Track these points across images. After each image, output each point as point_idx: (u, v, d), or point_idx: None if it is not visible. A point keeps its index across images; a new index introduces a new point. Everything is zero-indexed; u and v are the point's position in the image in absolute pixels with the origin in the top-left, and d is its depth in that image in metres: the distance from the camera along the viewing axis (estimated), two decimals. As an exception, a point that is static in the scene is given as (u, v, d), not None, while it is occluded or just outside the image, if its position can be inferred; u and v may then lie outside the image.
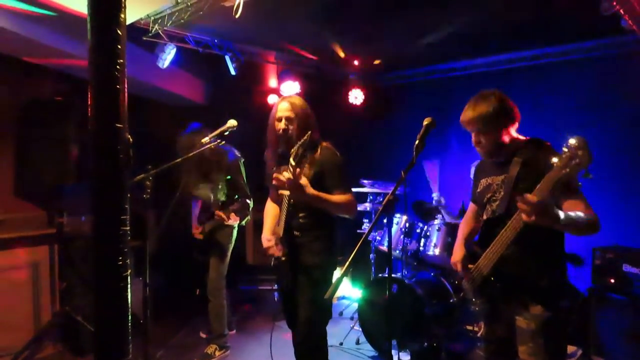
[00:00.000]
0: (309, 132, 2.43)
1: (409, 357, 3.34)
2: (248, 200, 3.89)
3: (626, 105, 4.42)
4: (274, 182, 2.49)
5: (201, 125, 3.71)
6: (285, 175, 2.40)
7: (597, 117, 4.58)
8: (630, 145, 4.39)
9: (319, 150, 2.68)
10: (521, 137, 2.20)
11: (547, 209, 1.75)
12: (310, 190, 2.45)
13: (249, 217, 4.02)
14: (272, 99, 5.93)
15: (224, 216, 3.68)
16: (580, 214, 1.89)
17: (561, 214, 1.81)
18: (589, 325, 3.68)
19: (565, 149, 1.70)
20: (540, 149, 2.09)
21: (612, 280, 3.66)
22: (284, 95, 2.78)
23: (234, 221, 3.74)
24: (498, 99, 2.10)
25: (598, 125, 4.56)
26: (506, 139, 2.14)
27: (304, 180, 2.42)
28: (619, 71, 4.44)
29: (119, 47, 1.42)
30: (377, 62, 5.76)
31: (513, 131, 2.17)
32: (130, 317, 1.51)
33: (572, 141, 1.68)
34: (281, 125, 2.66)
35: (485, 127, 2.10)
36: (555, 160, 1.73)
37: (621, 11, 3.36)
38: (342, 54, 5.32)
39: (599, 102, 4.59)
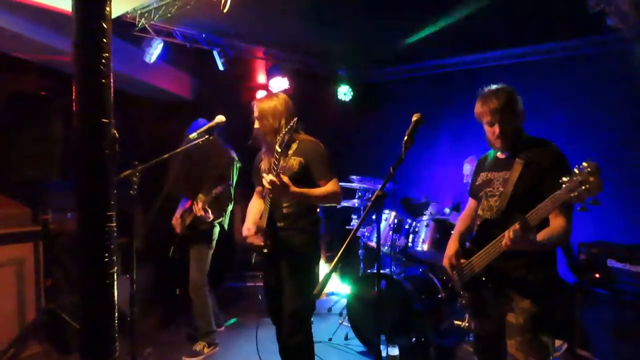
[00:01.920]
0: (295, 119, 2.53)
1: (397, 352, 3.35)
2: (228, 192, 3.84)
3: (614, 103, 4.48)
4: (263, 184, 2.52)
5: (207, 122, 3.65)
6: (268, 178, 2.43)
7: (584, 115, 4.63)
8: (615, 142, 4.45)
9: (297, 142, 2.77)
10: (526, 135, 2.22)
11: (526, 240, 1.86)
12: (294, 188, 2.49)
13: (224, 218, 3.96)
14: (260, 95, 5.89)
15: (199, 207, 3.63)
16: (553, 234, 1.97)
17: (537, 243, 1.92)
18: (574, 320, 3.73)
19: (576, 171, 1.68)
20: (544, 151, 2.10)
21: (597, 275, 3.71)
22: (258, 98, 2.90)
23: (208, 216, 3.68)
24: (510, 92, 2.15)
25: (584, 122, 4.62)
26: (515, 133, 2.17)
27: (285, 179, 2.46)
28: (606, 69, 4.48)
29: (104, 40, 1.39)
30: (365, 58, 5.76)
31: (520, 126, 2.20)
32: (117, 315, 1.50)
33: (585, 165, 1.66)
34: (255, 126, 2.83)
35: (498, 117, 2.12)
36: (565, 180, 1.72)
37: (607, 9, 3.39)
38: (331, 50, 5.30)
39: (587, 99, 4.65)
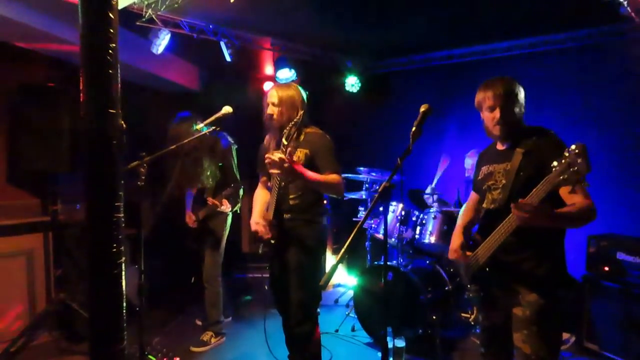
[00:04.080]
0: (301, 112, 2.54)
1: (403, 344, 3.36)
2: (239, 187, 3.87)
3: (622, 94, 4.41)
4: (266, 162, 2.51)
5: (190, 114, 3.69)
6: (277, 155, 2.43)
7: (593, 106, 4.57)
8: (627, 134, 4.39)
9: (304, 135, 2.74)
10: (525, 125, 2.20)
11: (541, 213, 1.79)
12: (301, 167, 2.52)
13: (240, 204, 4.01)
14: (267, 86, 5.88)
15: (216, 202, 3.67)
16: (576, 206, 1.92)
17: (556, 214, 1.86)
18: (583, 313, 3.72)
19: (565, 154, 1.68)
20: (542, 139, 2.08)
21: (606, 268, 3.69)
22: (276, 83, 2.85)
23: (226, 208, 3.74)
24: (511, 81, 2.14)
25: (593, 114, 4.56)
26: (516, 122, 2.15)
27: (295, 156, 2.47)
28: (619, 59, 4.42)
29: (111, 30, 1.39)
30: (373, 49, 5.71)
31: (521, 116, 2.18)
32: (125, 304, 1.51)
33: (573, 147, 1.66)
34: (268, 111, 2.76)
35: (500, 102, 2.11)
36: (555, 164, 1.72)
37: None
38: (338, 40, 5.26)
39: (595, 90, 4.58)
